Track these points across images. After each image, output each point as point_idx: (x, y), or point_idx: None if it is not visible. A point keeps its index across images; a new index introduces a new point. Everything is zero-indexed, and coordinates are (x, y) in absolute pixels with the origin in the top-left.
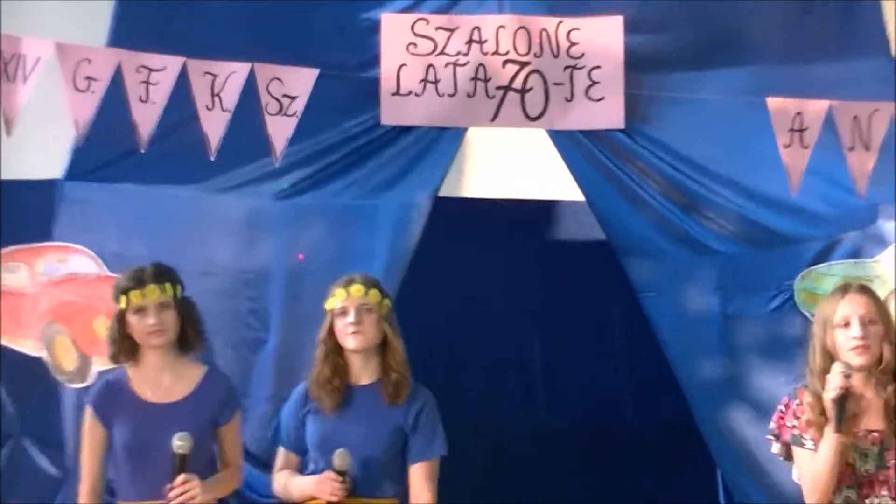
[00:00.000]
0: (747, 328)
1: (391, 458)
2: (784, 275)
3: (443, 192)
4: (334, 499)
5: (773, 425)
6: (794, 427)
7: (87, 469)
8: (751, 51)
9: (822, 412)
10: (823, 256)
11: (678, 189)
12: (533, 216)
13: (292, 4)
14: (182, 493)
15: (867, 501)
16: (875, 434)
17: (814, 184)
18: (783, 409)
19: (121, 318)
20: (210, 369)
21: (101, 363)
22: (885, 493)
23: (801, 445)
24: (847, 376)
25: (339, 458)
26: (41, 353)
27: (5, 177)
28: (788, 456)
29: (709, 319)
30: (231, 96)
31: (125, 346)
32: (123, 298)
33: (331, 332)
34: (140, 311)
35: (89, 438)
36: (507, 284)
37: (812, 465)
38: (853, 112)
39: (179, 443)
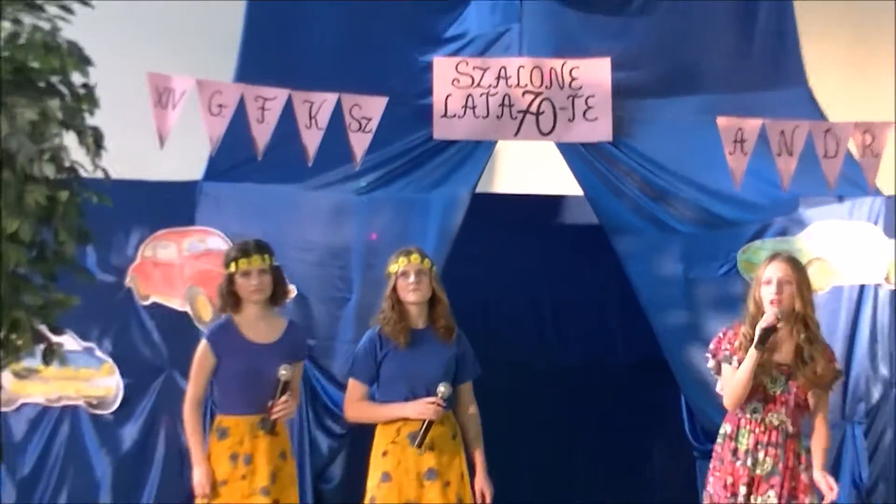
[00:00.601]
0: (703, 288)
1: (448, 380)
2: (730, 248)
3: (479, 189)
4: (434, 417)
5: (711, 346)
6: (726, 349)
7: (195, 385)
8: (705, 83)
9: (750, 341)
10: (758, 235)
11: (651, 186)
12: (546, 206)
13: (369, 50)
14: (283, 409)
15: (768, 414)
16: (784, 367)
17: (751, 181)
18: (721, 336)
19: (230, 280)
20: (290, 321)
21: None
22: (782, 410)
23: (729, 363)
24: (778, 316)
25: (444, 388)
26: (185, 308)
27: (159, 178)
28: (718, 371)
29: (674, 281)
30: (324, 118)
31: (231, 300)
32: (233, 264)
33: (395, 289)
34: (245, 274)
35: (201, 364)
36: (526, 257)
37: (734, 376)
38: (780, 128)
39: (284, 372)
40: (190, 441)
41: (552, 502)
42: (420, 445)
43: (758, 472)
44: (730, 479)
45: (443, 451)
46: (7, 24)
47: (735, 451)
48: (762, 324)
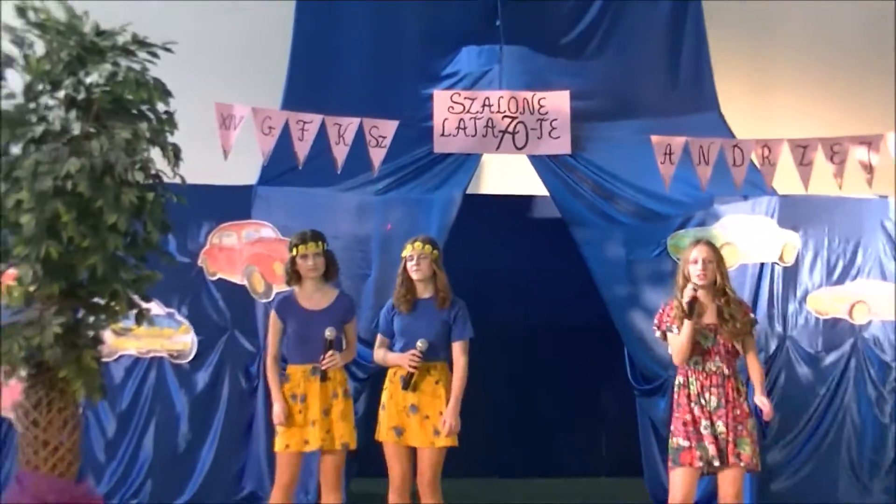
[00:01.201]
0: (640, 267)
1: (441, 338)
2: (661, 236)
3: (469, 191)
4: (412, 367)
5: (655, 321)
6: (667, 321)
7: (271, 345)
8: (641, 110)
9: (682, 311)
10: (683, 225)
11: (601, 188)
12: (520, 204)
13: (385, 84)
14: (330, 360)
15: (707, 364)
16: (711, 325)
17: (677, 185)
18: (661, 311)
19: (293, 261)
20: (340, 291)
21: (277, 289)
22: (716, 358)
23: (671, 331)
24: (695, 290)
25: (421, 343)
26: (243, 282)
27: (223, 183)
28: (664, 338)
29: (619, 262)
30: (349, 136)
31: (294, 276)
32: (295, 249)
33: (405, 268)
34: (304, 256)
35: (273, 328)
36: (506, 243)
37: (676, 341)
38: (699, 143)
39: (329, 332)
40: (271, 386)
41: (526, 431)
42: (405, 388)
43: (707, 408)
44: (688, 417)
45: (424, 392)
46: (108, 66)
47: (688, 396)
48: (685, 300)
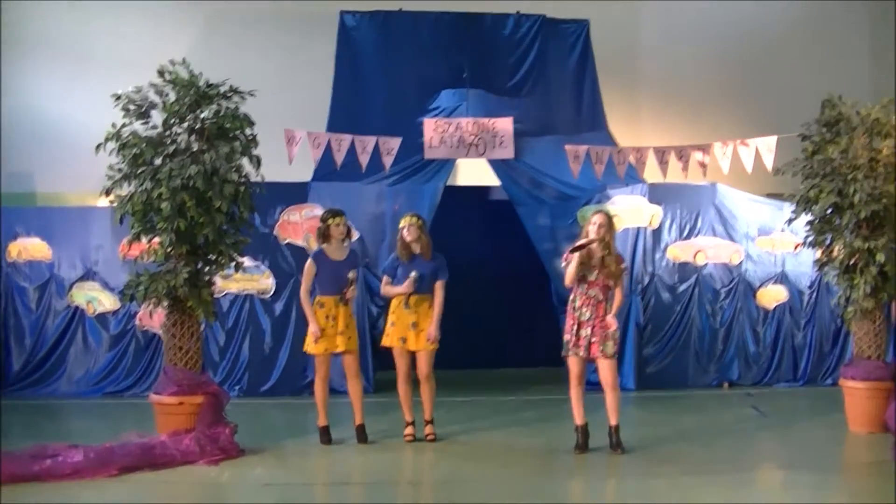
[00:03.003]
0: (560, 231)
1: (428, 279)
2: (573, 210)
3: (448, 183)
4: (408, 291)
5: (562, 261)
6: (566, 260)
7: (306, 283)
8: (559, 129)
9: (575, 248)
10: (586, 203)
11: (533, 180)
12: (482, 191)
13: (394, 115)
14: (352, 293)
15: (589, 290)
16: (595, 266)
17: (582, 177)
18: (565, 256)
19: (327, 227)
20: (352, 249)
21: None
22: (596, 288)
23: (568, 263)
24: (590, 242)
25: (414, 274)
26: (303, 245)
27: (290, 180)
28: (565, 269)
29: (546, 228)
30: (370, 148)
31: (325, 238)
32: (330, 220)
33: (401, 234)
34: (337, 225)
35: (308, 272)
36: (472, 216)
37: (569, 269)
38: (596, 150)
39: (351, 273)
40: (306, 311)
41: (487, 338)
42: (407, 306)
43: (582, 318)
44: (571, 322)
45: (419, 313)
46: (214, 106)
47: (574, 307)
48: (578, 242)
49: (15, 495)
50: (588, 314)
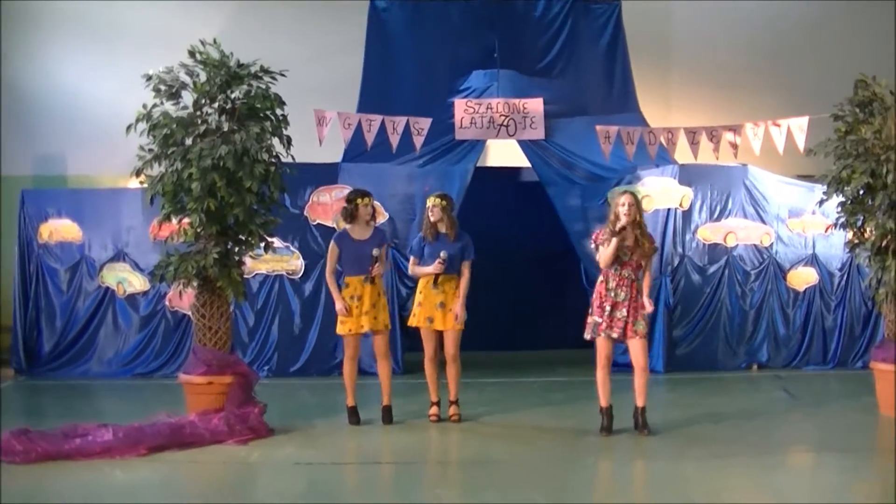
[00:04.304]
0: (591, 211)
1: (455, 259)
2: (603, 191)
3: (479, 164)
4: (438, 271)
5: (591, 241)
6: (601, 240)
7: (330, 264)
8: (590, 109)
9: (610, 234)
10: (617, 184)
11: (564, 161)
12: (513, 173)
13: (425, 95)
14: (377, 271)
15: (622, 270)
16: (629, 247)
17: (613, 158)
18: (595, 235)
19: (355, 207)
20: (376, 227)
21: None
22: (629, 268)
23: (602, 245)
24: (624, 227)
25: (444, 254)
26: (333, 225)
27: (320, 161)
28: (597, 250)
29: (577, 209)
30: (400, 128)
31: (351, 218)
32: (359, 200)
33: (428, 214)
34: (366, 205)
35: (332, 253)
36: (504, 198)
37: (604, 252)
38: (627, 130)
39: (375, 252)
40: (332, 290)
41: (516, 320)
42: (435, 285)
43: (617, 299)
44: (601, 303)
45: (446, 293)
46: (245, 86)
47: (607, 288)
48: (618, 226)
49: (46, 473)
50: (623, 295)
